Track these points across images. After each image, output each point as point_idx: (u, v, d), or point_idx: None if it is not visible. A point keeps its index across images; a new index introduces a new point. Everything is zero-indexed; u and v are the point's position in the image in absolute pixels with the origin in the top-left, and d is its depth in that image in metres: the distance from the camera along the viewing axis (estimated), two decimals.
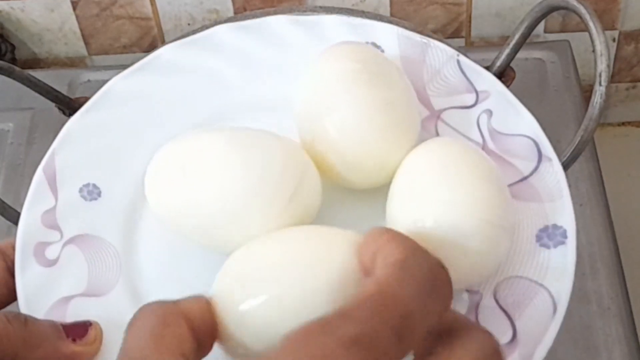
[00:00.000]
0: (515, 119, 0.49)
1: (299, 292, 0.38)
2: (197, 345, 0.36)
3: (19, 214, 0.49)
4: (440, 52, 0.52)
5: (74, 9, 0.84)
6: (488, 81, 0.51)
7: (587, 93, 0.66)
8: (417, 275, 0.33)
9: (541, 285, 0.44)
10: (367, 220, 0.46)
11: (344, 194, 0.48)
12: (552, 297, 0.43)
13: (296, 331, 0.31)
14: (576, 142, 0.54)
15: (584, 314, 0.64)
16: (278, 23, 0.54)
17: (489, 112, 0.50)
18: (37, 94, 0.66)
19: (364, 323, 0.31)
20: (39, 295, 0.46)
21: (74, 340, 0.43)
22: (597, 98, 0.54)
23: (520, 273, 0.44)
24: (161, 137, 0.49)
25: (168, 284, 0.47)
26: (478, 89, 0.50)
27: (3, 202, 0.57)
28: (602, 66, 0.54)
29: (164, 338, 0.35)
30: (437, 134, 0.50)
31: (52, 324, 0.43)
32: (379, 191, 0.46)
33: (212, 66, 0.53)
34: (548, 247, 0.45)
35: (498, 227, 0.42)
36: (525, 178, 0.47)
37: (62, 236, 0.48)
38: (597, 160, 0.72)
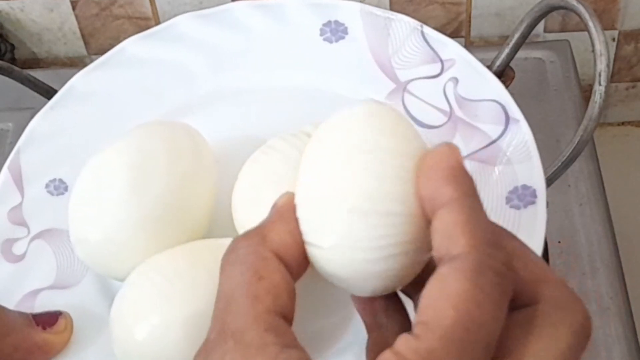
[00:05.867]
0: (481, 85, 0.49)
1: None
2: (293, 279, 0.33)
3: None
4: (404, 25, 0.52)
5: (74, 8, 0.84)
6: (453, 50, 0.51)
7: (587, 93, 0.66)
8: (492, 282, 0.31)
9: None
10: None
11: None
12: None
13: None
14: (576, 142, 0.54)
15: None
16: (240, 9, 0.54)
17: (455, 80, 0.50)
18: (36, 94, 0.66)
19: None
20: (7, 291, 0.46)
21: (44, 328, 0.43)
22: (597, 98, 0.54)
23: None
24: (127, 130, 0.48)
25: (135, 275, 0.47)
26: (443, 58, 0.51)
27: None
28: (602, 66, 0.54)
29: (258, 299, 0.32)
30: (404, 106, 0.50)
31: (22, 313, 0.43)
32: None
33: (175, 57, 0.53)
34: (518, 207, 0.45)
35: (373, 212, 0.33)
36: (493, 142, 0.47)
37: (29, 232, 0.48)
38: (597, 160, 0.72)
